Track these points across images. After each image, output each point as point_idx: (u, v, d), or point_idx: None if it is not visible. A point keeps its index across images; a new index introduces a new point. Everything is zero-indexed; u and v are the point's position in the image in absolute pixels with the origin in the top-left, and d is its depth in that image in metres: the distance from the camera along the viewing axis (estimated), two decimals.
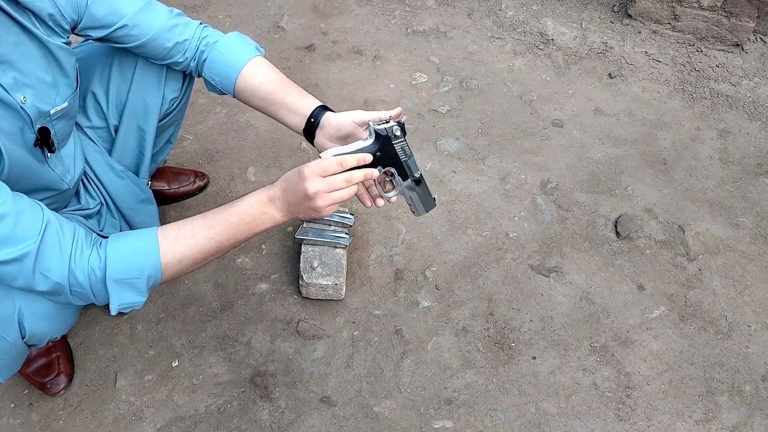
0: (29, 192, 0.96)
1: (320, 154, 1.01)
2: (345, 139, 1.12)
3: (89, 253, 0.93)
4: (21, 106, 0.97)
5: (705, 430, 1.43)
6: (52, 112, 1.05)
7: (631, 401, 1.47)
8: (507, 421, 1.42)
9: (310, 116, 1.14)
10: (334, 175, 0.96)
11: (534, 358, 1.53)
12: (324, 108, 1.15)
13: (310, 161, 0.97)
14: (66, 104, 1.08)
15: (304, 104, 1.15)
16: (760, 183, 1.94)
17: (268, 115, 1.21)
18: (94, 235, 0.98)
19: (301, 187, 0.96)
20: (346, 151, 1.00)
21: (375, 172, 1.02)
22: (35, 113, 1.01)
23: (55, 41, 1.02)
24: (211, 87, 1.25)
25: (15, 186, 0.90)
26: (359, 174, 0.99)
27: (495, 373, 1.50)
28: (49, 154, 1.09)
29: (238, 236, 1.01)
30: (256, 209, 1.00)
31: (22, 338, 1.06)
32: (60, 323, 1.11)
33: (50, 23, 1.00)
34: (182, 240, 0.98)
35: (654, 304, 1.64)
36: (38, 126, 1.03)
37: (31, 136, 1.02)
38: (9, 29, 0.94)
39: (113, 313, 0.97)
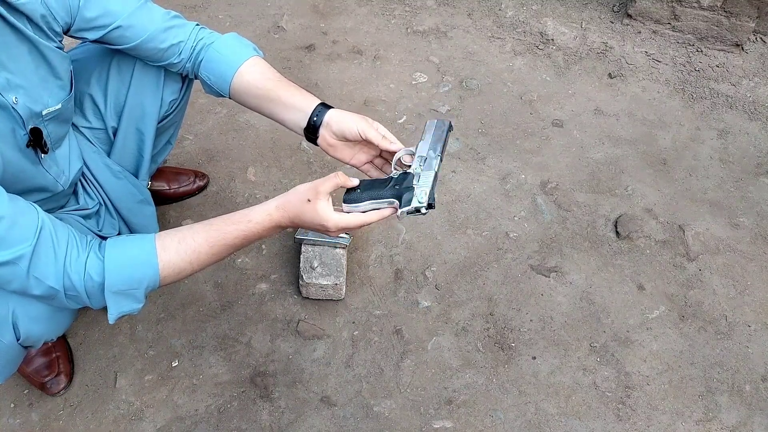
0: (23, 193, 0.95)
1: (344, 208, 1.03)
2: (347, 142, 1.12)
3: (85, 257, 0.93)
4: (13, 107, 0.97)
5: (705, 430, 1.43)
6: (44, 113, 1.05)
7: (631, 401, 1.47)
8: (507, 421, 1.42)
9: (312, 114, 1.12)
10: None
11: (534, 358, 1.53)
12: (325, 106, 1.13)
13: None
14: (59, 106, 1.08)
15: (303, 101, 1.14)
16: (760, 183, 1.94)
17: (264, 114, 1.19)
18: (90, 237, 0.98)
19: (319, 223, 1.00)
20: (368, 210, 1.03)
21: (389, 212, 1.05)
22: (27, 114, 1.01)
23: (48, 44, 1.01)
24: (208, 88, 1.24)
25: (9, 188, 0.90)
26: (374, 218, 1.03)
27: (495, 373, 1.50)
28: (42, 155, 1.09)
29: (238, 249, 1.05)
30: (262, 233, 1.03)
31: (17, 340, 1.05)
32: (55, 325, 1.10)
33: (43, 26, 1.00)
34: (182, 254, 0.99)
35: (654, 304, 1.64)
36: (30, 127, 1.03)
37: (23, 137, 1.02)
38: (0, 31, 0.93)
39: (111, 322, 0.98)
